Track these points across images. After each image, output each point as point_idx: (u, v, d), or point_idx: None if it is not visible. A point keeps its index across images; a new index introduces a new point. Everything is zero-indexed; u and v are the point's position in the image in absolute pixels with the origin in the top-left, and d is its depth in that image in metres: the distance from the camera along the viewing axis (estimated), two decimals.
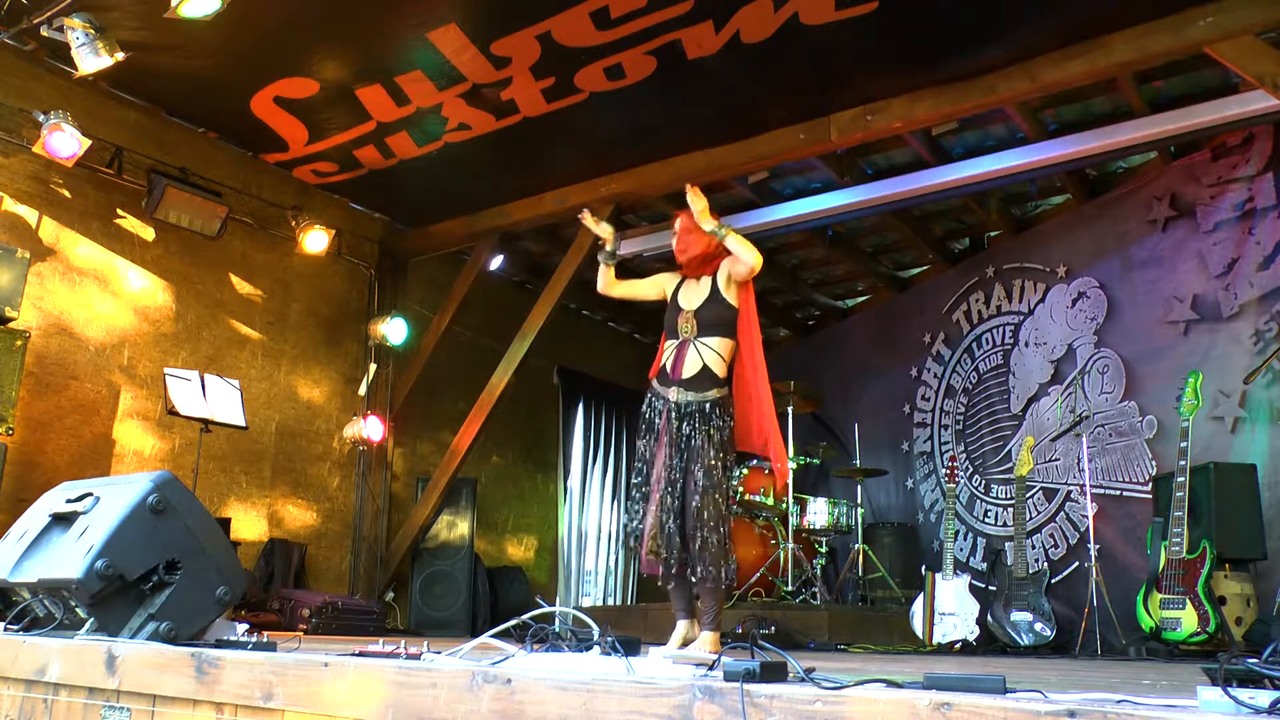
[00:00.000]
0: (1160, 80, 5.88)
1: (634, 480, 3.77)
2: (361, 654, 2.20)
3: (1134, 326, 6.90)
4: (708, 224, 3.67)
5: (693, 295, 3.77)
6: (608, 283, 3.96)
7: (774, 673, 1.66)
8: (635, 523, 3.69)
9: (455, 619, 7.10)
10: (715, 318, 3.69)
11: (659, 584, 3.68)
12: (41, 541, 2.91)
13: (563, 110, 6.03)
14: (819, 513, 7.25)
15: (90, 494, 2.88)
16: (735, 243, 3.65)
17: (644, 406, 3.77)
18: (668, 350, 3.75)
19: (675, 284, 3.87)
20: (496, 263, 7.89)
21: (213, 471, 6.44)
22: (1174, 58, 5.29)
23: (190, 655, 2.24)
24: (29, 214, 5.76)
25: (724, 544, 3.52)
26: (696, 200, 3.69)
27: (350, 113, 6.13)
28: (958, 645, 5.94)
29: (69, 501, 2.93)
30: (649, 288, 3.96)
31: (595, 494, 9.56)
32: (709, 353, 3.66)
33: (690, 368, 3.65)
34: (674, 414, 3.64)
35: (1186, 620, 5.05)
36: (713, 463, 3.55)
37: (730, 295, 3.72)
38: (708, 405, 3.61)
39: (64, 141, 5.42)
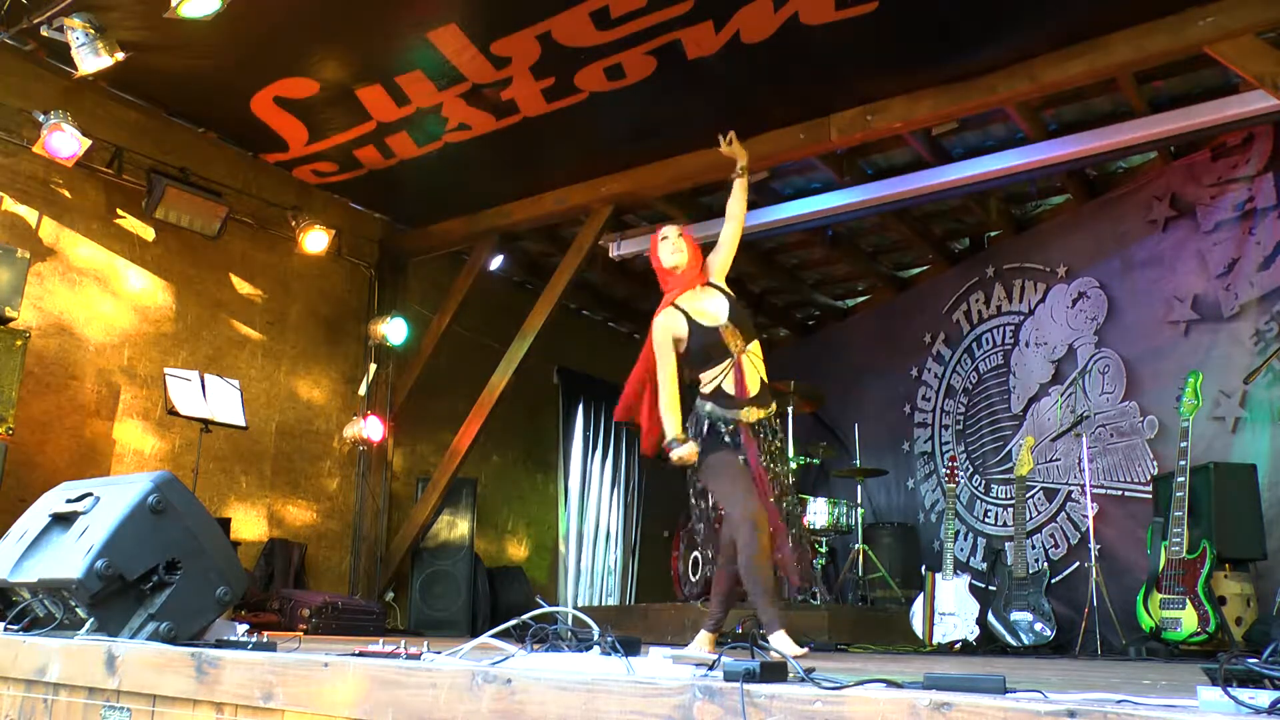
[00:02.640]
0: (1160, 80, 5.88)
1: (713, 506, 3.58)
2: (361, 654, 2.20)
3: (1134, 326, 6.90)
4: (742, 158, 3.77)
5: (714, 306, 3.54)
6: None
7: (774, 673, 1.66)
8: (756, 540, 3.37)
9: (455, 619, 7.10)
10: (745, 319, 3.58)
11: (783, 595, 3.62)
12: (41, 541, 2.91)
13: (563, 110, 6.03)
14: (819, 513, 7.25)
15: (90, 494, 2.88)
16: (740, 188, 3.76)
17: (703, 430, 3.51)
18: (724, 373, 3.50)
19: (681, 318, 3.56)
20: (496, 263, 7.90)
21: (213, 471, 6.44)
22: (1174, 58, 5.29)
23: (190, 655, 2.24)
24: (29, 214, 5.77)
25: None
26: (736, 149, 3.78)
27: (350, 113, 6.13)
28: (958, 645, 5.94)
29: (69, 501, 2.92)
30: (672, 352, 3.60)
31: (595, 494, 9.56)
32: (759, 361, 3.54)
33: (753, 383, 3.48)
34: (755, 438, 3.50)
35: (1186, 620, 5.05)
36: (787, 477, 3.56)
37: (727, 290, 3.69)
38: (771, 419, 3.55)
39: (64, 141, 5.42)
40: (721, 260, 3.68)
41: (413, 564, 7.31)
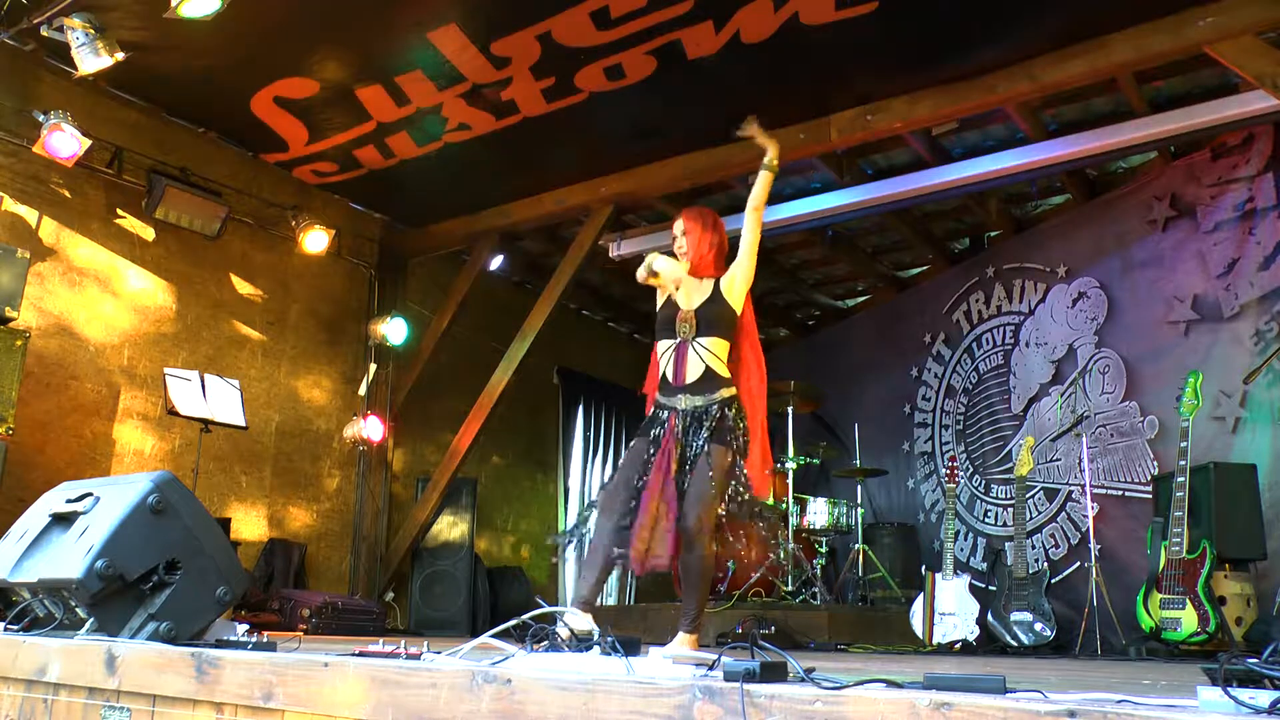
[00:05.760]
0: (1160, 80, 5.88)
1: (604, 483, 3.65)
2: (361, 654, 2.20)
3: (1134, 326, 6.90)
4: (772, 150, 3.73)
5: (693, 295, 3.62)
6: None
7: (774, 673, 1.66)
8: (618, 524, 3.44)
9: (455, 619, 7.10)
10: (715, 317, 3.56)
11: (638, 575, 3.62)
12: (41, 541, 2.91)
13: (563, 110, 6.03)
14: (819, 513, 7.25)
15: (90, 494, 2.88)
16: (764, 182, 3.69)
17: (648, 419, 3.60)
18: (664, 356, 3.60)
19: (675, 285, 3.69)
20: (496, 263, 7.90)
21: (213, 471, 6.44)
22: (1174, 58, 5.29)
23: (190, 655, 2.24)
24: (29, 214, 5.76)
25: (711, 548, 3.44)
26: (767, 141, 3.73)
27: (350, 113, 6.13)
28: (958, 645, 5.94)
29: (69, 501, 2.92)
30: (673, 275, 3.72)
31: (595, 494, 9.55)
32: (708, 354, 3.51)
33: (693, 371, 3.51)
34: (679, 421, 3.48)
35: (1186, 620, 5.05)
36: (725, 464, 3.42)
37: (732, 299, 3.59)
38: (715, 406, 3.47)
39: (64, 141, 5.42)
40: (742, 271, 3.64)
41: (413, 564, 7.31)
